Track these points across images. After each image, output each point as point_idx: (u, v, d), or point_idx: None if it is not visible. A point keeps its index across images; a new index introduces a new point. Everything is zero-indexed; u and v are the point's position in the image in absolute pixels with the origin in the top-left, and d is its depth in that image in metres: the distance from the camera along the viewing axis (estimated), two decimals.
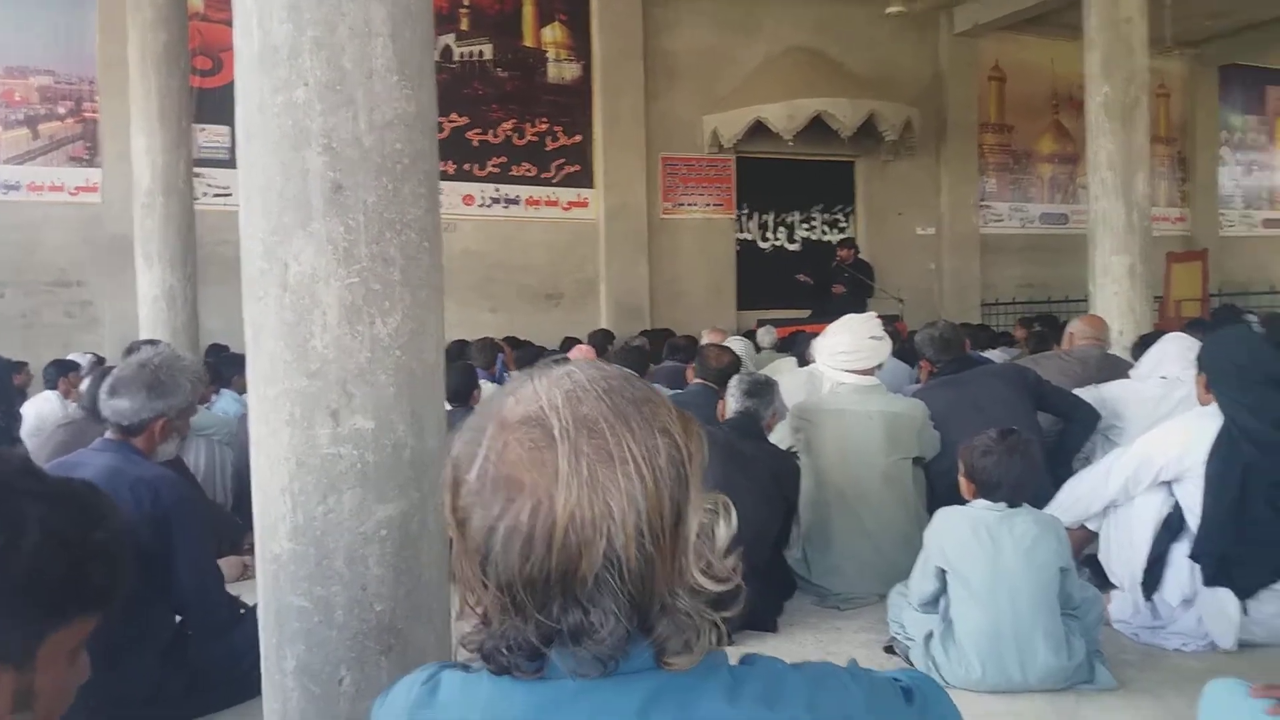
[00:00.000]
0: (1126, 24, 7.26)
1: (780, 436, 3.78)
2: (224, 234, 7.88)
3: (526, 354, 6.98)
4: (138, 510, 2.44)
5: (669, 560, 0.84)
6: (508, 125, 10.52)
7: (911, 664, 2.80)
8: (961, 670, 2.69)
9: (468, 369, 4.87)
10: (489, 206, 10.43)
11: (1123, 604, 3.19)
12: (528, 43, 10.67)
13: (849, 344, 3.88)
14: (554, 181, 10.71)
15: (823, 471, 3.68)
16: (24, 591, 0.89)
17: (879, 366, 3.95)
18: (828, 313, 5.37)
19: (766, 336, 8.16)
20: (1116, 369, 4.72)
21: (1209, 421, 3.10)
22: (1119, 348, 5.88)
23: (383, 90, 1.85)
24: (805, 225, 12.21)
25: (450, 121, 9.97)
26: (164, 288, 7.40)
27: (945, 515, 2.88)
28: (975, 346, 6.55)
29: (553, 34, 10.77)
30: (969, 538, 2.76)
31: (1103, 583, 3.28)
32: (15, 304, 8.68)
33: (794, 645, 3.12)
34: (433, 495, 1.89)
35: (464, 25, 10.30)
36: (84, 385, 5.16)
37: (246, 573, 3.67)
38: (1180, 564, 3.07)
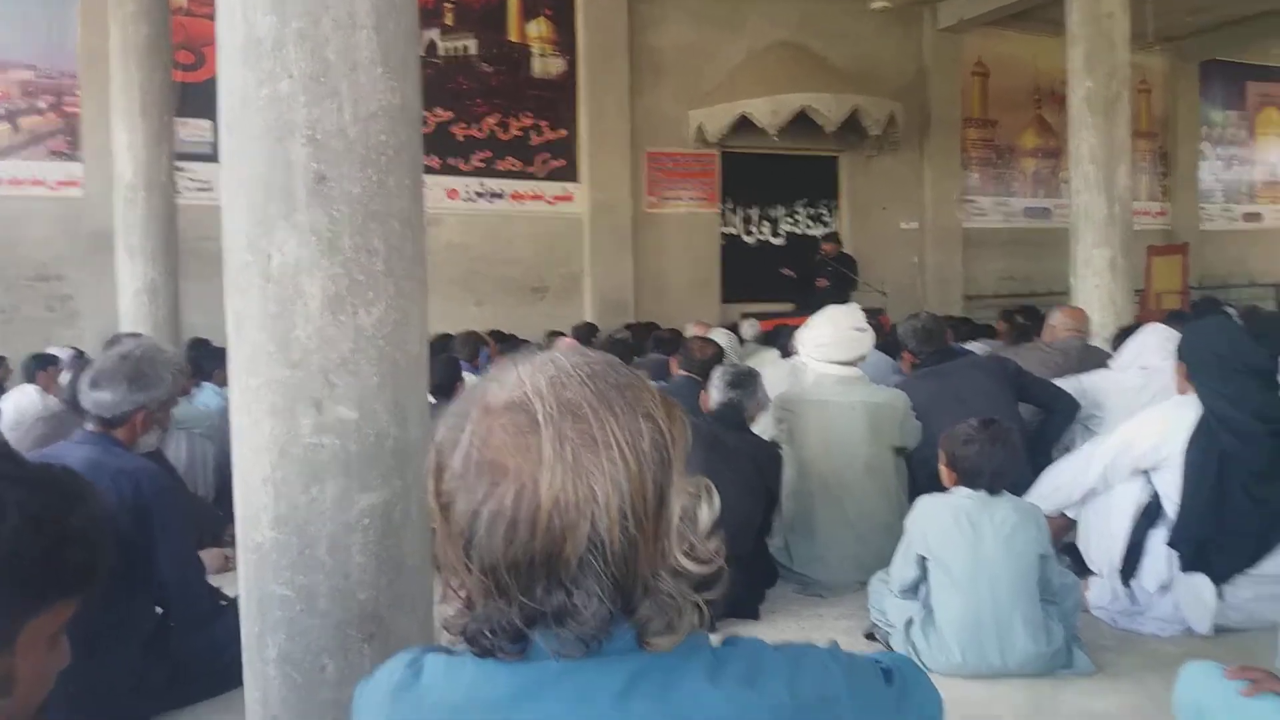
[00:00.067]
0: (1108, 19, 7.31)
1: (763, 427, 3.80)
2: (205, 229, 7.80)
3: (511, 347, 6.98)
4: (118, 502, 2.43)
5: (652, 542, 0.85)
6: (492, 120, 10.49)
7: (892, 650, 2.83)
8: (942, 656, 2.71)
9: (452, 362, 4.88)
10: (474, 201, 10.40)
11: (1101, 590, 3.22)
12: (512, 38, 10.64)
13: (832, 335, 3.90)
14: (539, 176, 10.70)
15: (805, 462, 3.70)
16: (2, 576, 0.88)
17: (862, 358, 3.97)
18: (811, 306, 5.39)
19: (750, 329, 8.18)
20: (1097, 360, 4.76)
21: (1188, 411, 3.13)
22: (1099, 339, 5.92)
23: (367, 82, 1.86)
24: (789, 220, 12.24)
25: (435, 116, 9.94)
26: (145, 281, 7.36)
27: (926, 503, 2.91)
28: (957, 339, 6.58)
29: (537, 29, 10.75)
30: (950, 525, 2.79)
31: (1081, 570, 3.32)
32: None
33: (776, 632, 3.15)
34: (415, 484, 1.90)
35: (448, 20, 10.27)
36: (64, 379, 5.13)
37: (228, 565, 3.65)
38: (1158, 551, 3.10)
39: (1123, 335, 5.01)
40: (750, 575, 3.35)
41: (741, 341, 7.59)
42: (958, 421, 3.01)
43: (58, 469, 0.99)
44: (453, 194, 10.24)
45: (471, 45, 10.40)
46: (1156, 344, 4.17)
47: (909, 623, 2.84)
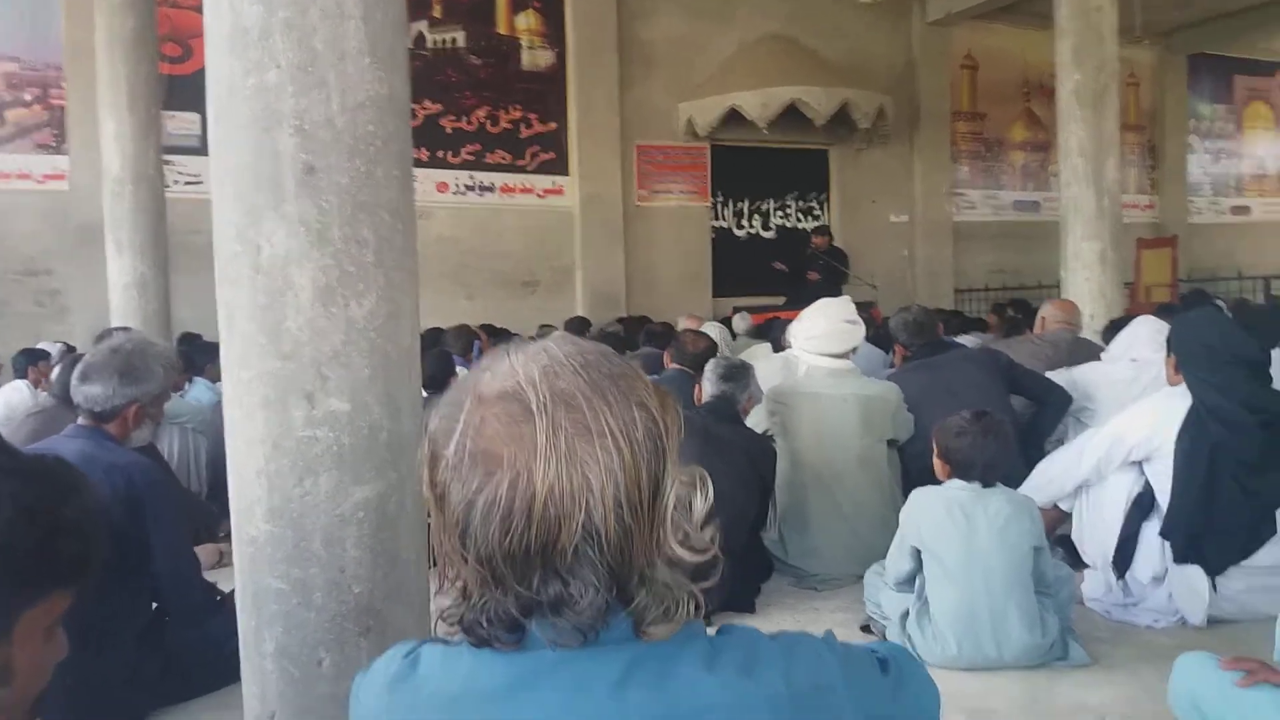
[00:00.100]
0: (1097, 12, 7.33)
1: (756, 420, 3.80)
2: (195, 223, 7.78)
3: (503, 341, 6.95)
4: (111, 496, 2.41)
5: (647, 532, 0.85)
6: (481, 112, 10.47)
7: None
8: (937, 648, 2.72)
9: (444, 355, 4.86)
10: (463, 194, 10.38)
11: (1095, 582, 3.23)
12: (501, 30, 10.61)
13: (824, 328, 3.90)
14: (529, 169, 10.68)
15: (798, 454, 3.70)
16: None
17: (854, 350, 3.97)
18: (803, 299, 5.39)
19: (742, 323, 8.19)
20: (1088, 352, 4.77)
21: (1178, 401, 3.14)
22: (1090, 332, 5.94)
23: (355, 72, 1.84)
24: (780, 213, 12.24)
25: (424, 109, 9.91)
26: (135, 275, 7.33)
27: (920, 495, 2.91)
28: (948, 332, 6.59)
29: (526, 21, 10.72)
30: (944, 517, 2.79)
31: (1076, 562, 3.32)
32: None
33: (771, 626, 3.11)
34: (410, 477, 1.89)
35: (436, 12, 10.24)
36: (54, 374, 5.11)
37: (222, 560, 3.66)
38: (1151, 542, 3.11)
39: (1113, 328, 5.02)
40: (745, 569, 3.35)
41: (734, 335, 7.60)
42: (950, 414, 3.01)
43: (51, 460, 0.98)
44: (442, 187, 10.22)
45: (460, 37, 10.37)
46: (1147, 336, 4.18)
47: (904, 615, 2.84)
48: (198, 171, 8.75)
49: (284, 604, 1.79)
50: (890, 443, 3.81)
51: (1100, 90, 7.29)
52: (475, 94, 10.43)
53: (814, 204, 12.40)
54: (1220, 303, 7.77)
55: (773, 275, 10.31)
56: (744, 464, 3.28)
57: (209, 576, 2.97)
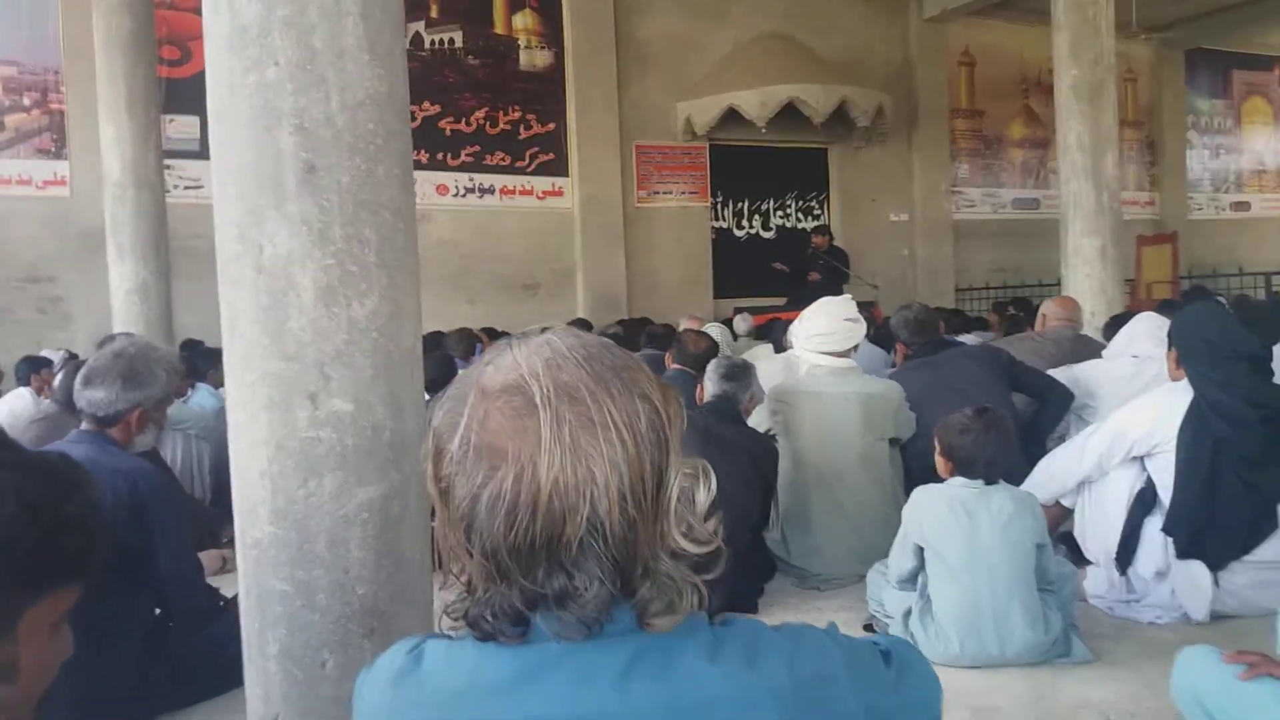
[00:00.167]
0: (1093, 5, 7.35)
1: (758, 420, 3.80)
2: (196, 227, 7.79)
3: None
4: (114, 500, 2.41)
5: (651, 524, 0.85)
6: (480, 114, 10.47)
7: None
8: (940, 646, 2.71)
9: (446, 359, 4.87)
10: (463, 196, 10.38)
11: (1098, 579, 3.23)
12: (498, 30, 10.62)
13: (825, 326, 3.90)
14: (528, 170, 10.68)
15: (800, 453, 3.70)
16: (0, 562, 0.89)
17: (855, 349, 3.97)
18: (803, 300, 5.38)
19: (743, 324, 8.19)
20: (1089, 349, 4.77)
21: (1180, 396, 3.14)
22: (1091, 328, 5.94)
23: (354, 70, 1.84)
24: (780, 213, 12.24)
25: (422, 110, 9.91)
26: (136, 281, 7.32)
27: (923, 493, 2.91)
28: (949, 331, 6.59)
29: (523, 21, 10.73)
30: (946, 515, 2.79)
31: (1078, 560, 3.32)
32: None
33: None
34: (414, 477, 1.89)
35: (434, 12, 10.24)
36: (57, 381, 5.11)
37: (225, 566, 3.65)
38: (1153, 538, 3.11)
39: (1114, 324, 5.02)
40: (748, 569, 3.35)
41: (735, 336, 7.60)
42: (951, 412, 3.01)
43: (54, 456, 0.99)
44: (442, 190, 10.22)
45: (457, 38, 10.37)
46: (1148, 332, 4.18)
47: (907, 613, 2.84)
48: (198, 176, 8.75)
49: (288, 606, 1.79)
50: (892, 441, 3.81)
51: (1098, 84, 7.30)
52: (474, 95, 10.44)
53: (814, 204, 12.40)
54: (1221, 299, 7.78)
55: (773, 276, 10.32)
56: (746, 463, 3.28)
57: (212, 582, 2.97)
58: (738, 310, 9.22)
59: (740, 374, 3.57)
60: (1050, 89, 7.93)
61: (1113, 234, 7.31)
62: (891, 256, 12.34)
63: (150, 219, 7.39)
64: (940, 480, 2.93)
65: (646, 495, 0.84)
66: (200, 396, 4.92)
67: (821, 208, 12.42)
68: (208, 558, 3.52)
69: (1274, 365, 3.32)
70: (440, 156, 10.19)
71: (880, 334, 5.80)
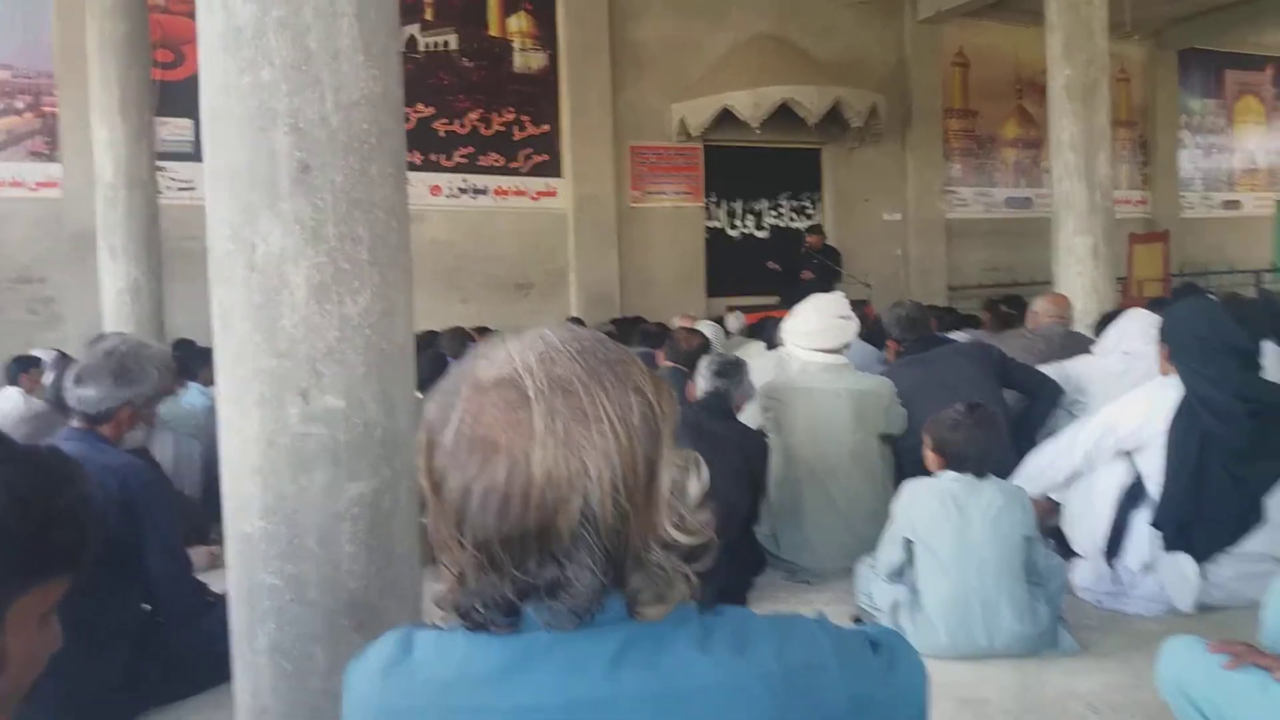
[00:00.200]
0: (1086, 6, 7.35)
1: (749, 416, 3.82)
2: (189, 229, 7.78)
3: None
4: (105, 498, 2.42)
5: (643, 515, 0.86)
6: (474, 115, 10.46)
7: None
8: (928, 638, 2.73)
9: (439, 357, 4.88)
10: (457, 197, 10.37)
11: (1086, 571, 3.25)
12: (493, 32, 10.61)
13: (817, 323, 3.92)
14: (522, 171, 10.68)
15: (792, 449, 3.72)
16: None
17: (846, 346, 3.99)
18: (796, 299, 5.39)
19: (735, 322, 8.21)
20: (1080, 345, 4.79)
21: (1170, 391, 3.16)
22: (1082, 326, 5.95)
23: (349, 70, 1.86)
24: (773, 213, 12.26)
25: (416, 112, 9.91)
26: (128, 281, 7.31)
27: (913, 486, 2.93)
28: (942, 329, 6.60)
29: (518, 23, 10.73)
30: (936, 508, 2.81)
31: (1067, 553, 3.34)
32: None
33: None
34: (404, 473, 1.90)
35: (429, 15, 10.24)
36: (47, 380, 5.10)
37: (215, 563, 3.65)
38: (1141, 531, 3.13)
39: (1105, 321, 5.04)
40: (738, 563, 3.37)
41: (727, 334, 7.61)
42: (943, 408, 3.03)
43: (46, 450, 1.00)
44: (436, 190, 10.22)
45: (452, 40, 10.37)
46: (1138, 329, 4.20)
47: (895, 606, 2.86)
48: (191, 177, 8.75)
49: (277, 600, 1.80)
50: (884, 437, 3.83)
51: (1091, 85, 7.31)
52: (468, 97, 10.43)
53: (807, 204, 12.42)
54: (1212, 296, 7.81)
55: (767, 275, 10.33)
56: (737, 459, 3.30)
57: (201, 579, 2.97)
58: (731, 309, 9.24)
59: (732, 371, 3.59)
60: (1043, 89, 7.95)
61: (1105, 233, 7.32)
62: (884, 256, 12.36)
63: (142, 220, 7.38)
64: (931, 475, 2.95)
65: (639, 487, 0.85)
66: (191, 395, 4.91)
67: (815, 207, 12.44)
68: (197, 555, 3.52)
69: (1263, 361, 3.34)
70: (434, 158, 10.19)
71: (872, 332, 5.81)
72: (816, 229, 10.91)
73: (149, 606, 2.70)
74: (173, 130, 8.85)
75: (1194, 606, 3.04)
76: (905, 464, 3.75)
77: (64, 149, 8.73)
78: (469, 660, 0.88)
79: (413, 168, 8.97)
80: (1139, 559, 3.11)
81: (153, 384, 2.71)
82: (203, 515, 3.98)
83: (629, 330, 7.66)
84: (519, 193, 10.67)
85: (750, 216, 12.14)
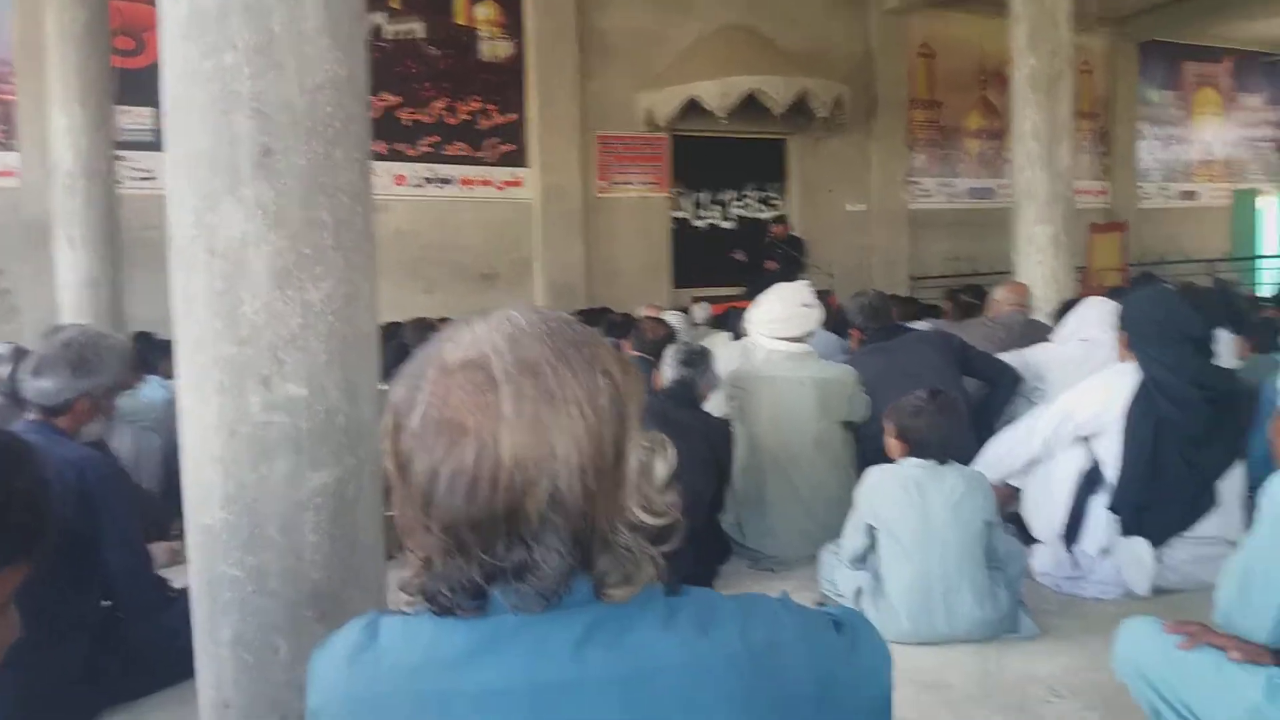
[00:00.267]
0: None
1: (715, 405, 3.83)
2: (149, 219, 7.57)
3: None
4: (62, 490, 2.37)
5: (610, 497, 0.86)
6: (440, 104, 10.38)
7: None
8: (891, 623, 2.76)
9: (403, 349, 4.85)
10: (422, 186, 10.29)
11: (1044, 557, 3.30)
12: (459, 20, 10.52)
13: (781, 311, 3.94)
14: (488, 161, 10.61)
15: (756, 437, 3.73)
16: None
17: (810, 334, 4.01)
18: (761, 289, 5.42)
19: (701, 312, 8.22)
20: (1038, 334, 4.84)
21: (1127, 379, 3.21)
22: (1042, 315, 6.02)
23: (313, 54, 1.83)
24: (739, 203, 12.28)
25: (382, 101, 9.81)
26: (86, 273, 7.18)
27: (876, 473, 2.95)
28: (904, 318, 6.66)
29: (485, 12, 10.65)
30: (899, 494, 2.84)
31: (1026, 539, 3.38)
32: None
33: None
34: (368, 462, 1.89)
35: (395, 3, 10.12)
36: (3, 372, 5.01)
37: (176, 558, 3.61)
38: (1098, 516, 3.18)
39: (1064, 309, 5.10)
40: (703, 550, 3.38)
41: (693, 325, 7.63)
42: (905, 395, 3.05)
43: (1, 435, 0.98)
44: (400, 180, 10.13)
45: (418, 28, 10.27)
46: (1096, 317, 4.25)
47: (858, 592, 2.89)
48: (151, 167, 8.60)
49: (239, 591, 1.78)
50: (847, 425, 3.86)
51: (1055, 76, 7.36)
52: (434, 85, 10.35)
53: (773, 194, 12.45)
54: (1169, 286, 7.91)
55: (732, 266, 10.35)
56: (702, 448, 3.31)
57: (162, 574, 2.93)
58: (696, 299, 9.25)
59: (698, 360, 3.60)
60: (1008, 80, 8.01)
61: (1065, 222, 7.39)
62: (849, 246, 12.42)
63: (101, 210, 7.25)
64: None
65: (606, 469, 0.85)
66: (150, 389, 4.84)
67: (781, 198, 12.48)
68: (158, 550, 3.47)
69: (1216, 348, 3.40)
70: (399, 147, 10.09)
71: (836, 321, 5.84)
72: (781, 219, 10.95)
73: (109, 601, 2.65)
74: (133, 119, 8.70)
75: (1150, 589, 3.10)
76: (868, 451, 3.78)
77: (21, 138, 8.57)
78: (435, 644, 0.88)
79: (378, 157, 8.88)
80: (1096, 543, 3.16)
81: (111, 375, 2.67)
82: (163, 510, 3.93)
83: (595, 321, 7.64)
84: (485, 182, 10.60)
85: (716, 207, 12.15)
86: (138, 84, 8.49)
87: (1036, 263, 7.30)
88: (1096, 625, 2.84)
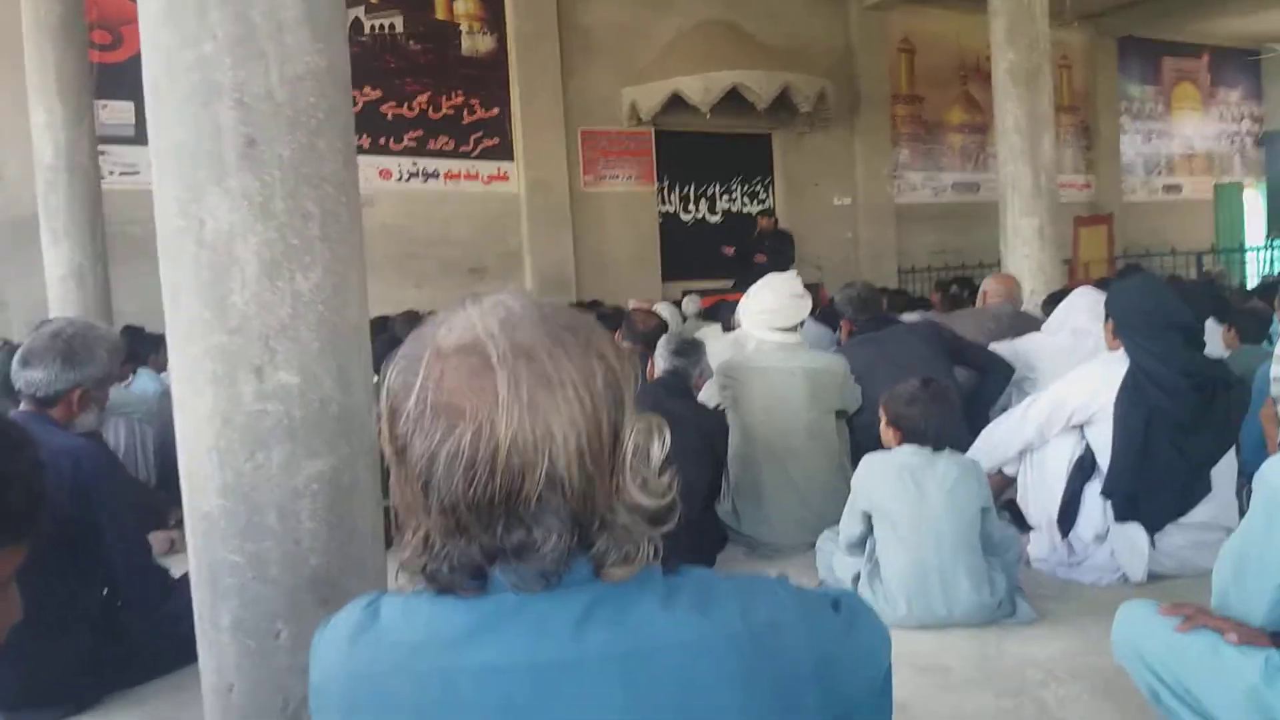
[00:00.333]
0: None
1: (707, 395, 3.84)
2: (132, 213, 7.62)
3: None
4: (58, 481, 2.36)
5: (607, 478, 0.86)
6: (423, 98, 10.34)
7: None
8: (889, 608, 2.76)
9: (394, 341, 4.79)
10: (407, 181, 10.26)
11: (1040, 543, 3.31)
12: (439, 15, 10.49)
13: (772, 302, 3.94)
14: (472, 155, 10.59)
15: (749, 427, 3.74)
16: None
17: (801, 324, 4.02)
18: (750, 282, 5.43)
19: (692, 305, 8.25)
20: (1027, 324, 4.87)
21: (1117, 366, 3.22)
22: (1030, 306, 6.05)
23: (294, 44, 1.82)
24: (726, 198, 12.30)
25: (363, 95, 9.77)
26: (72, 266, 7.15)
27: (871, 461, 2.96)
28: (893, 310, 6.68)
29: (465, 6, 10.61)
30: (894, 481, 2.84)
31: (1022, 527, 3.39)
32: None
33: None
34: (363, 449, 1.89)
35: None
36: None
37: (174, 547, 3.61)
38: (1093, 502, 3.19)
39: (1053, 300, 5.13)
40: (699, 539, 3.38)
41: (684, 318, 7.64)
42: (895, 385, 3.06)
43: None
44: (385, 174, 10.10)
45: (398, 23, 10.23)
46: (1085, 306, 4.28)
47: (856, 577, 2.90)
48: (134, 161, 8.56)
49: (239, 577, 1.78)
50: (839, 414, 3.86)
51: (1034, 69, 7.43)
52: (416, 80, 10.31)
53: (759, 188, 12.48)
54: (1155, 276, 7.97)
55: (720, 259, 10.38)
56: (696, 438, 3.30)
57: (160, 563, 2.93)
58: (686, 293, 9.27)
59: (690, 350, 3.60)
60: (988, 75, 8.06)
61: (1050, 214, 7.45)
62: (835, 240, 12.46)
63: (84, 203, 7.22)
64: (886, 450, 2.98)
65: (603, 451, 0.85)
66: (141, 381, 4.86)
67: (767, 192, 12.50)
68: (155, 539, 3.48)
69: (1205, 339, 3.42)
70: (383, 141, 10.06)
71: (825, 313, 5.86)
72: (768, 213, 10.97)
73: (107, 591, 2.65)
74: (113, 114, 8.65)
75: (1145, 575, 3.11)
76: (860, 440, 3.79)
77: (1, 133, 8.49)
78: (436, 623, 0.88)
79: (361, 151, 8.79)
80: (1091, 529, 3.17)
81: (102, 366, 2.66)
82: (159, 499, 3.94)
83: (586, 313, 7.63)
84: (470, 176, 10.58)
85: (703, 201, 12.17)
86: (118, 78, 8.45)
87: (1023, 255, 7.36)
88: (1093, 610, 2.84)
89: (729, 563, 3.55)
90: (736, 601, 0.90)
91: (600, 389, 0.86)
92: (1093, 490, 3.20)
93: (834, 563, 3.05)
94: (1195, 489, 3.15)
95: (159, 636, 2.54)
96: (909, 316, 6.49)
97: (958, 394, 3.47)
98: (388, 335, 5.15)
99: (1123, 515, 3.12)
